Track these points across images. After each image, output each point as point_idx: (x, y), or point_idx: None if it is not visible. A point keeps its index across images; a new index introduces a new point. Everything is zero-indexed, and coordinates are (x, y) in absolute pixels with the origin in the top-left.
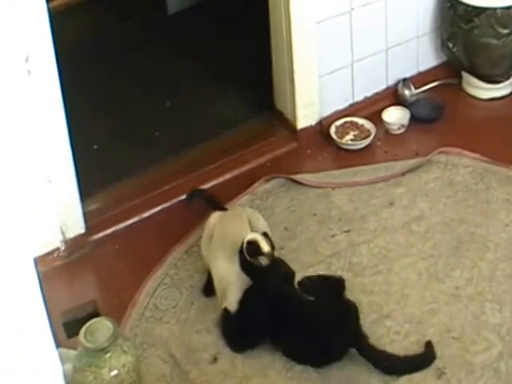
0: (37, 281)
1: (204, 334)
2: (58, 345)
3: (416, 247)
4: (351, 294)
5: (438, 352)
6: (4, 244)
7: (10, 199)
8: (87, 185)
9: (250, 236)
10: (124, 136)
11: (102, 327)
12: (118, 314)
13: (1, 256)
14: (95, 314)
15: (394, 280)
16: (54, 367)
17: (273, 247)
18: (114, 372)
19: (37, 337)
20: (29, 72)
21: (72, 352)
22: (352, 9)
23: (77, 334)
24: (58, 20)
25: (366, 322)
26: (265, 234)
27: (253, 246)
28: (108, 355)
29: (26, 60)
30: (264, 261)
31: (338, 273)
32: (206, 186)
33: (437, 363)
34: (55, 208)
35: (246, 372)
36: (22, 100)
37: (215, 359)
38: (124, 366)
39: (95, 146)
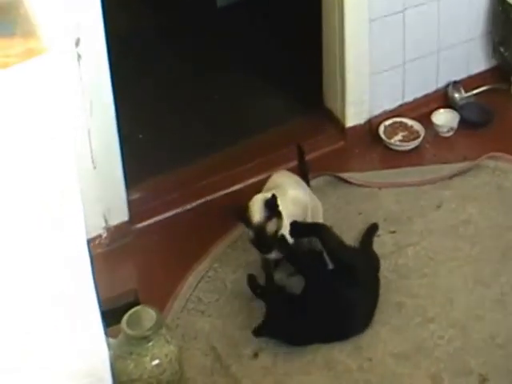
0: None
1: (246, 330)
2: None
3: (463, 251)
4: (396, 295)
5: (482, 359)
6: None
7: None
8: (132, 173)
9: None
10: (170, 127)
11: (145, 315)
12: (158, 305)
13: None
14: (135, 304)
15: (439, 284)
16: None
17: (270, 216)
18: (156, 361)
19: (87, 319)
20: (79, 56)
21: (111, 340)
22: (405, 8)
23: (116, 323)
24: (111, 6)
25: (411, 324)
26: (272, 201)
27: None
28: (151, 344)
29: (77, 44)
30: (250, 234)
31: (384, 273)
32: (252, 181)
33: (480, 369)
34: (99, 194)
35: (288, 369)
36: (72, 85)
37: (256, 355)
38: (166, 355)
39: (140, 136)
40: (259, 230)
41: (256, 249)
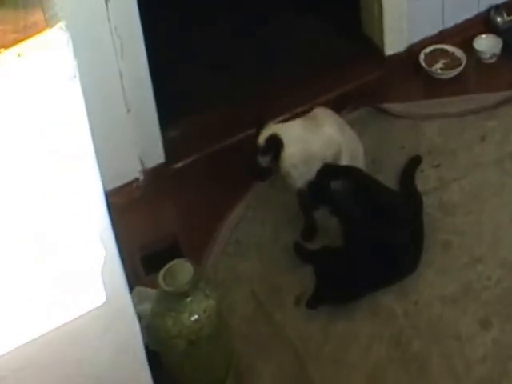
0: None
1: (288, 275)
2: (137, 281)
3: (510, 186)
4: (442, 233)
5: None
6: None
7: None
8: (167, 113)
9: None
10: (204, 62)
11: (182, 269)
12: (198, 248)
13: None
14: (175, 248)
15: (486, 221)
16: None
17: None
18: (195, 317)
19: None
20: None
21: (150, 291)
22: None
23: (156, 270)
24: None
25: (457, 265)
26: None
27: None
28: (189, 299)
29: None
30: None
31: (428, 210)
32: (291, 113)
33: None
34: (134, 137)
35: (331, 315)
36: (101, 29)
37: (299, 301)
38: (205, 310)
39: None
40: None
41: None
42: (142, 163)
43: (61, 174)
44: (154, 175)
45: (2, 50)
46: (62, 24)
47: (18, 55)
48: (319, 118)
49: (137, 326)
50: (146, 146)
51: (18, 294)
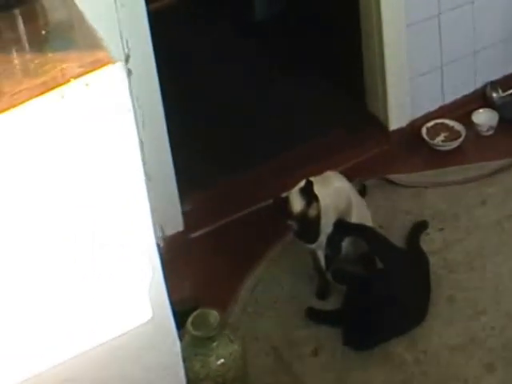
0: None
1: (305, 328)
2: None
3: (509, 245)
4: (447, 289)
5: None
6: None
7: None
8: (185, 184)
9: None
10: (220, 138)
11: (208, 317)
12: (219, 309)
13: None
14: (197, 309)
15: (488, 277)
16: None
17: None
18: (221, 360)
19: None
20: (129, 72)
21: None
22: (440, 13)
23: (178, 327)
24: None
25: (462, 317)
26: (307, 186)
27: (285, 203)
28: (215, 344)
29: (127, 60)
30: (294, 225)
31: (434, 269)
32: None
33: None
34: (155, 206)
35: (347, 365)
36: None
37: (316, 352)
38: (231, 354)
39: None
40: (301, 218)
41: (302, 241)
42: (162, 231)
43: (111, 189)
44: (174, 242)
45: (72, 79)
46: (120, 63)
47: (86, 85)
48: (329, 176)
49: (178, 345)
50: (166, 214)
51: (68, 308)
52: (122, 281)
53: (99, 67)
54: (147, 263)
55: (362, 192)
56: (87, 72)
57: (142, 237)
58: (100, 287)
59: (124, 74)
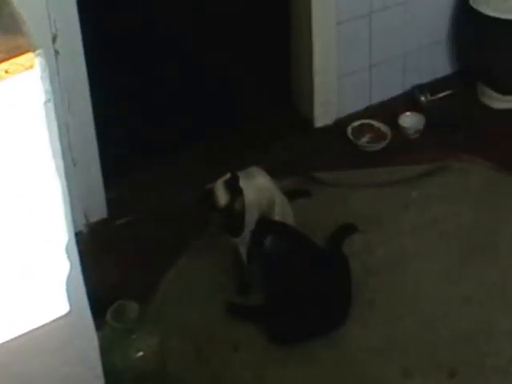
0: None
1: (225, 323)
2: None
3: (430, 250)
4: (367, 292)
5: (451, 353)
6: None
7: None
8: (110, 170)
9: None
10: (147, 126)
11: (128, 309)
12: (139, 300)
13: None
14: (117, 299)
15: (408, 281)
16: (93, 338)
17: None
18: (140, 353)
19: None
20: (56, 52)
21: None
22: (372, 12)
23: (98, 316)
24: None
25: (381, 320)
26: (233, 180)
27: (210, 196)
28: (134, 336)
29: (54, 40)
30: (218, 219)
31: (354, 272)
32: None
33: (449, 364)
34: (79, 192)
35: (266, 362)
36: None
37: (236, 348)
38: (150, 347)
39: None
40: (226, 212)
41: (227, 233)
42: (86, 217)
43: (24, 179)
44: (98, 229)
45: None
46: (40, 50)
47: (5, 72)
48: (252, 172)
49: (96, 340)
50: (90, 201)
51: None
52: (38, 274)
53: (19, 54)
54: (64, 257)
55: (303, 193)
56: (6, 59)
57: (59, 230)
58: (15, 279)
59: (44, 62)
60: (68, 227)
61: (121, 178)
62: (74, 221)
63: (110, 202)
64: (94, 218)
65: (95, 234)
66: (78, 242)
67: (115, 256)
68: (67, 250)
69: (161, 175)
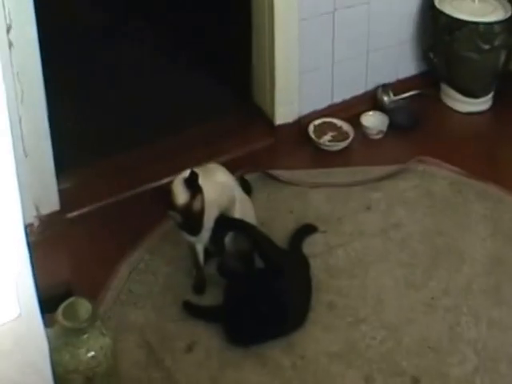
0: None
1: (180, 323)
2: None
3: (393, 254)
4: (327, 294)
5: (413, 360)
6: None
7: None
8: (63, 162)
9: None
10: (103, 117)
11: (80, 307)
12: (90, 296)
13: None
14: (68, 296)
15: (370, 285)
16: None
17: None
18: (92, 353)
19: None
20: (10, 43)
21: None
22: (335, 9)
23: (48, 312)
24: None
25: (342, 324)
26: (192, 177)
27: (168, 193)
28: (86, 336)
29: (8, 31)
30: (177, 217)
31: (314, 273)
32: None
33: (412, 371)
34: (30, 183)
35: (221, 363)
36: (4, 73)
37: (190, 348)
38: (102, 348)
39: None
40: (185, 210)
41: (185, 232)
42: (37, 209)
43: None
44: (49, 222)
45: None
46: None
47: None
48: (212, 169)
49: (46, 346)
50: (42, 192)
51: None
52: None
53: None
54: (15, 260)
55: (247, 187)
56: None
57: (8, 222)
58: None
59: None
60: (19, 228)
61: (74, 169)
62: (24, 212)
63: (63, 194)
64: (46, 211)
65: (46, 227)
66: (27, 235)
67: (67, 250)
68: (18, 253)
69: (116, 167)
